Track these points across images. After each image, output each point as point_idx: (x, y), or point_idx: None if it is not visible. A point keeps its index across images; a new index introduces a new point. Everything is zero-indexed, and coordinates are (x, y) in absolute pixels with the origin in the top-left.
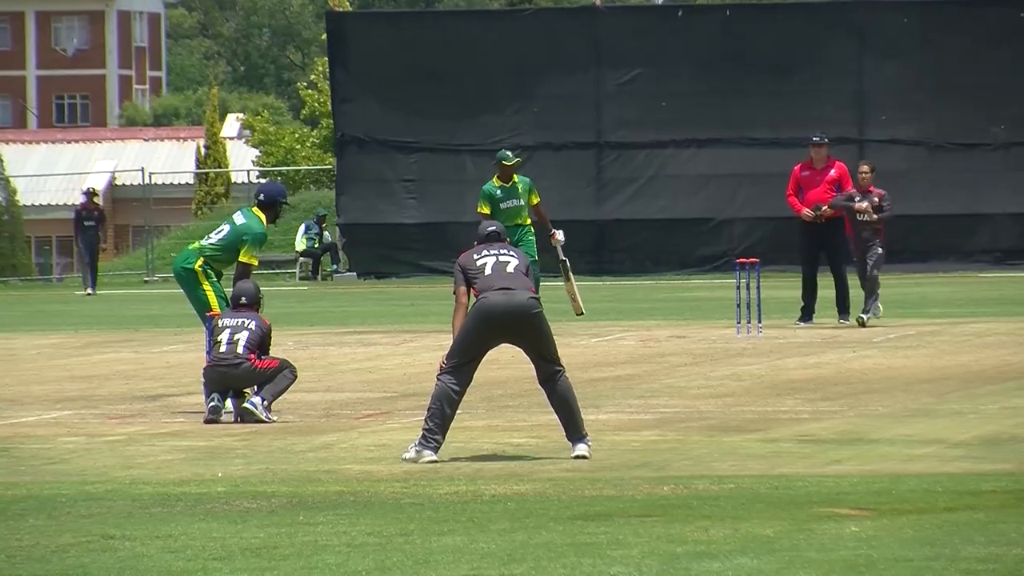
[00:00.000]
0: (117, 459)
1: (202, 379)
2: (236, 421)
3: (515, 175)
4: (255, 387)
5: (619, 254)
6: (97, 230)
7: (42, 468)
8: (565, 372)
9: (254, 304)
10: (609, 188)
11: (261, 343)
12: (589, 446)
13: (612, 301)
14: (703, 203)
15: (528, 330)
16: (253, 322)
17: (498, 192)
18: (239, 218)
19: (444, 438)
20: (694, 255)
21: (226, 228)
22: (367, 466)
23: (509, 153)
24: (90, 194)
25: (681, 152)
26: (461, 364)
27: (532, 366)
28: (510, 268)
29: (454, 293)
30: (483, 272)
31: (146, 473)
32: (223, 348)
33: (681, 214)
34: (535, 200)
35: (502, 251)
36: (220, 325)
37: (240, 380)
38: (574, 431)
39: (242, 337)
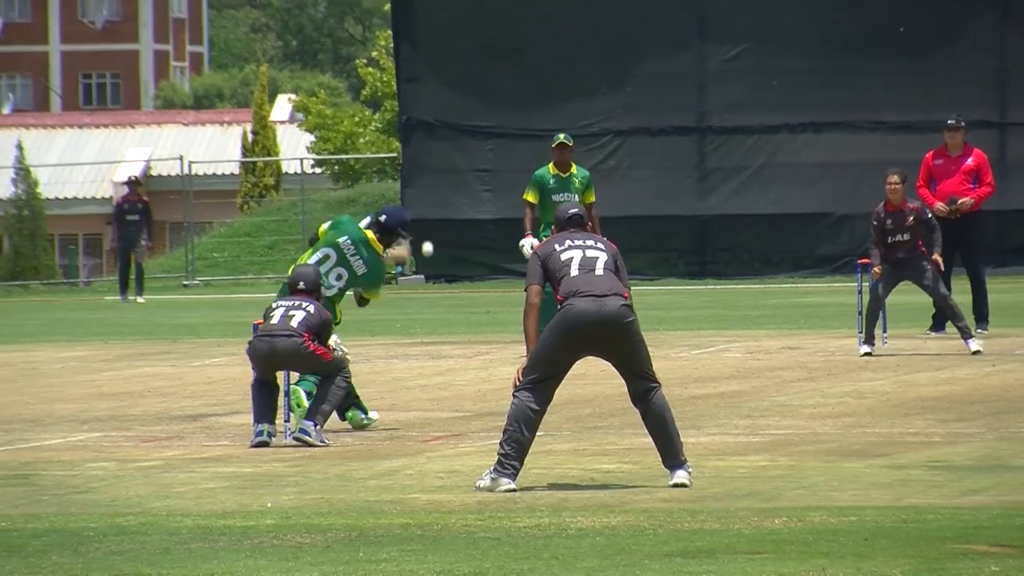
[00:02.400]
0: (152, 488)
1: (248, 385)
2: (286, 420)
3: (573, 165)
4: (307, 410)
5: (723, 254)
6: (142, 225)
7: (67, 498)
8: (661, 389)
9: (313, 290)
10: (713, 179)
11: (320, 329)
12: (689, 473)
13: (715, 307)
14: (821, 196)
15: (620, 342)
16: (312, 306)
17: (551, 181)
18: (357, 260)
19: (523, 464)
20: (810, 255)
21: (344, 273)
22: (436, 495)
23: (563, 136)
24: (133, 183)
25: (795, 137)
26: (541, 380)
27: (623, 381)
28: (599, 266)
29: (525, 291)
30: (568, 270)
31: (185, 504)
32: (275, 320)
33: (795, 208)
34: (590, 198)
35: (588, 242)
36: (273, 306)
37: (288, 357)
38: (671, 456)
39: (297, 315)
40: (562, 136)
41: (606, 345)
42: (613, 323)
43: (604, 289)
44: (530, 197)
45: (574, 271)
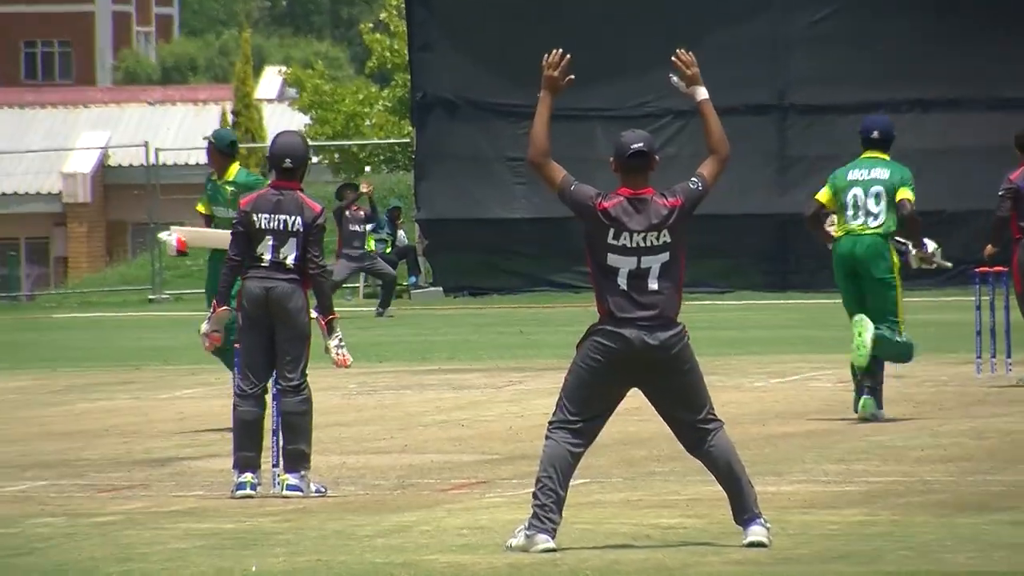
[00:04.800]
0: (110, 548)
1: (235, 367)
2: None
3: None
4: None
5: (809, 261)
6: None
7: (4, 562)
8: (723, 428)
9: (301, 168)
10: (796, 169)
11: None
12: (767, 528)
13: (799, 327)
14: (929, 189)
15: (667, 374)
16: (298, 218)
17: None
18: None
19: (562, 516)
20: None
21: None
22: (457, 556)
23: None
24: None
25: (898, 118)
26: (581, 419)
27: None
28: (653, 276)
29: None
30: (615, 277)
31: (150, 568)
32: (266, 257)
33: None
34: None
35: (651, 225)
36: (256, 224)
37: (284, 312)
38: (744, 508)
39: (290, 251)
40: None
41: (649, 380)
42: (659, 354)
43: (654, 307)
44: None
45: (621, 282)
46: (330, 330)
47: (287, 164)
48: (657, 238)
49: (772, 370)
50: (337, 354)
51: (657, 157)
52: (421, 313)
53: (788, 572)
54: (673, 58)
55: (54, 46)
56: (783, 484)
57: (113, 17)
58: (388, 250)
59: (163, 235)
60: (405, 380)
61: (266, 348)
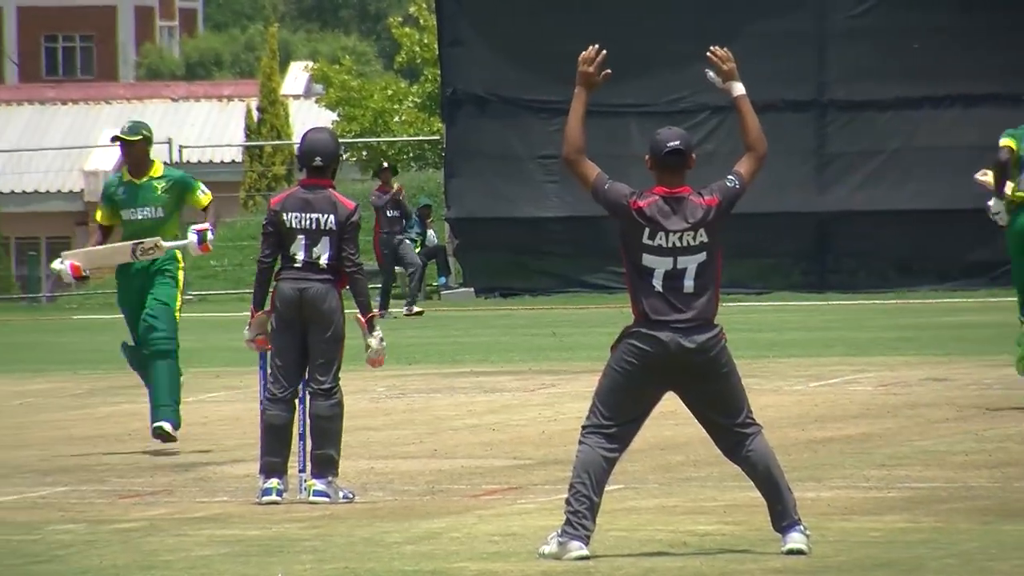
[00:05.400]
0: (132, 555)
1: (259, 369)
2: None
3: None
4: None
5: (849, 261)
6: (400, 221)
7: (24, 569)
8: (761, 432)
9: (332, 165)
10: (836, 166)
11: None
12: (807, 536)
13: (839, 328)
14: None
15: (703, 378)
16: (331, 217)
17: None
18: None
19: (595, 523)
20: (960, 262)
21: None
22: (489, 564)
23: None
24: (385, 171)
25: (942, 114)
26: (614, 423)
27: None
28: (689, 277)
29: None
30: (650, 279)
31: None
32: (299, 257)
33: (940, 203)
34: None
35: (688, 225)
36: (287, 224)
37: (317, 314)
38: (783, 515)
39: (323, 250)
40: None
41: (685, 383)
42: (695, 358)
43: (688, 309)
44: None
45: (657, 283)
46: (371, 328)
47: (317, 162)
48: (694, 238)
49: (811, 373)
50: (377, 354)
51: (694, 155)
52: (451, 315)
53: None
54: (708, 53)
55: (75, 41)
56: (823, 490)
57: (136, 11)
58: (417, 249)
59: (56, 264)
60: (435, 383)
61: (299, 350)
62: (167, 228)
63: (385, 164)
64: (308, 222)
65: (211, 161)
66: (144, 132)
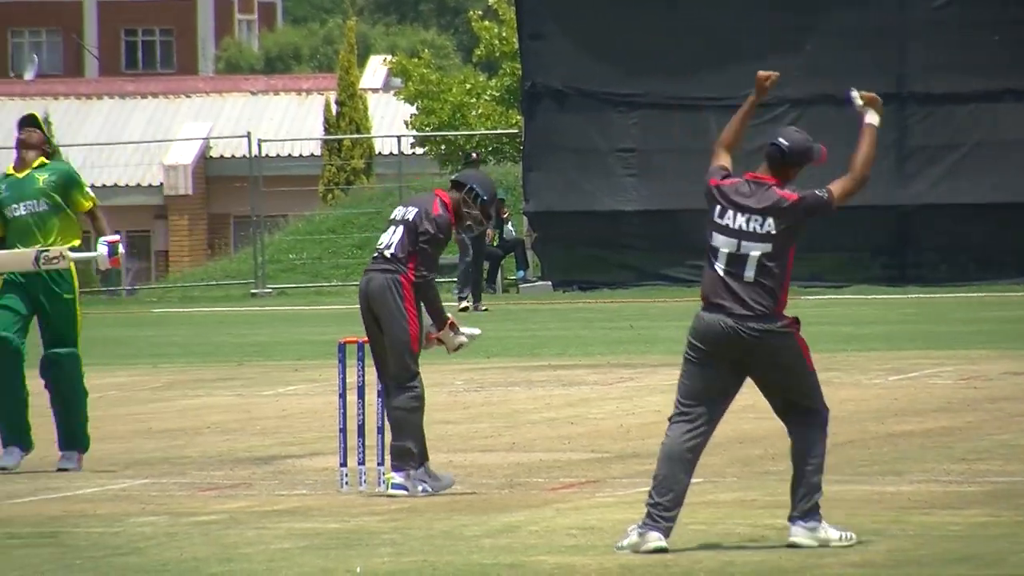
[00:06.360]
0: (212, 548)
1: (338, 363)
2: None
3: None
4: (389, 457)
5: (930, 254)
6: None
7: (106, 561)
8: (819, 430)
9: (460, 180)
10: (916, 160)
11: (428, 249)
12: (810, 531)
13: (919, 321)
14: None
15: (763, 364)
16: (416, 211)
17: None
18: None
19: (678, 515)
20: None
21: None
22: (567, 557)
23: None
24: (473, 162)
25: (1023, 107)
26: (692, 409)
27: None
28: (750, 267)
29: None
30: (714, 260)
31: (253, 568)
32: (383, 241)
33: (1022, 196)
34: None
35: (757, 208)
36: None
37: (384, 305)
38: (792, 505)
39: (392, 238)
40: None
41: (749, 369)
42: (750, 344)
43: (744, 302)
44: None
45: (719, 266)
46: (454, 329)
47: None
48: (761, 224)
49: (891, 367)
50: (460, 343)
51: (800, 164)
52: (530, 308)
53: (908, 575)
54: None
55: (155, 35)
56: (903, 484)
57: (215, 5)
58: (495, 243)
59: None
60: (513, 376)
61: (382, 342)
62: (55, 227)
63: (474, 155)
64: (399, 213)
65: (290, 155)
66: (36, 124)
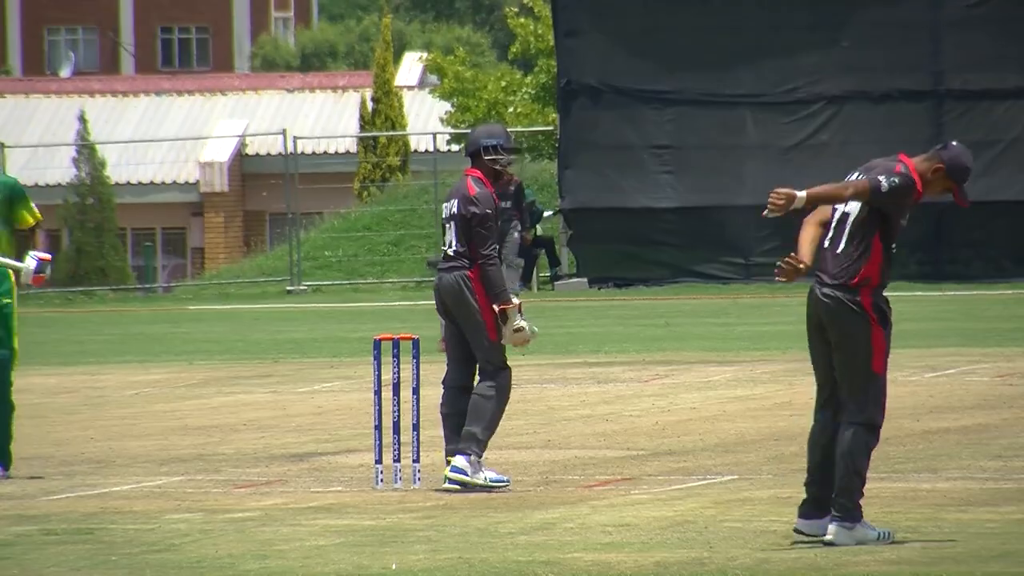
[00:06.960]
0: (248, 545)
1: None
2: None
3: None
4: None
5: (966, 251)
6: (513, 214)
7: (141, 558)
8: (857, 426)
9: (471, 149)
10: None
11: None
12: (847, 530)
13: (955, 319)
14: None
15: (830, 335)
16: (456, 202)
17: None
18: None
19: (829, 493)
20: None
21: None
22: (603, 555)
23: None
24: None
25: None
26: (820, 386)
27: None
28: (846, 230)
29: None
30: (828, 232)
31: (289, 565)
32: (445, 241)
33: None
34: None
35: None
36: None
37: (457, 303)
38: (830, 505)
39: (451, 236)
40: None
41: (826, 339)
42: (822, 310)
43: (830, 272)
44: None
45: (827, 237)
46: (503, 319)
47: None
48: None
49: (927, 363)
50: (519, 335)
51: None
52: (565, 305)
53: (944, 572)
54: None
55: (191, 32)
56: (938, 481)
57: (251, 2)
58: (532, 237)
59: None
60: (548, 374)
61: (461, 339)
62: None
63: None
64: (446, 211)
65: (325, 152)
66: None
